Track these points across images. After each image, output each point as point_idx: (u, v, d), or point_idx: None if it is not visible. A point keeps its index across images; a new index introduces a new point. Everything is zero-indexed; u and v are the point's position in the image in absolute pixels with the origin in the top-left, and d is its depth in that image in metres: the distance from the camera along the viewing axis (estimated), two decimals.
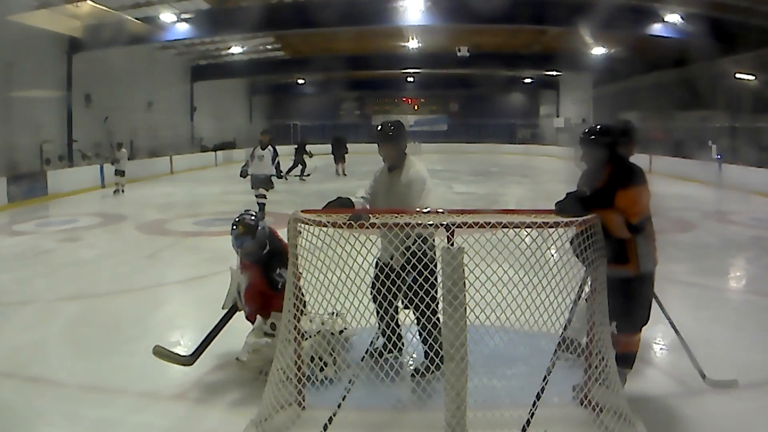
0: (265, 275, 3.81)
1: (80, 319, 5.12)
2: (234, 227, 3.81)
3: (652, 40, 18.07)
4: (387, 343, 3.67)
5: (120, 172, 14.70)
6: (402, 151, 3.68)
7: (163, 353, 3.73)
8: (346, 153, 18.70)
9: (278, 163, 10.03)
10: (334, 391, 3.43)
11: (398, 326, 3.77)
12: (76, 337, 4.67)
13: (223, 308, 4.00)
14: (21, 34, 14.03)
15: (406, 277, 3.11)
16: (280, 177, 10.07)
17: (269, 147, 9.70)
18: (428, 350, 3.38)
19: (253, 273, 3.85)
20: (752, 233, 8.83)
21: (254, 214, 3.97)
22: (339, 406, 2.98)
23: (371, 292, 3.52)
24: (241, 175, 9.73)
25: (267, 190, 9.78)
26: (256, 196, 9.80)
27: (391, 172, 3.69)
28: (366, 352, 3.45)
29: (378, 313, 3.50)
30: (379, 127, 3.71)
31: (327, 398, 3.31)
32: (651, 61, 21.22)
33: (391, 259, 3.29)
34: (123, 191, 14.77)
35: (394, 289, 3.21)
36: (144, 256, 7.61)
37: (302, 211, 3.11)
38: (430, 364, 3.48)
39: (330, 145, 19.23)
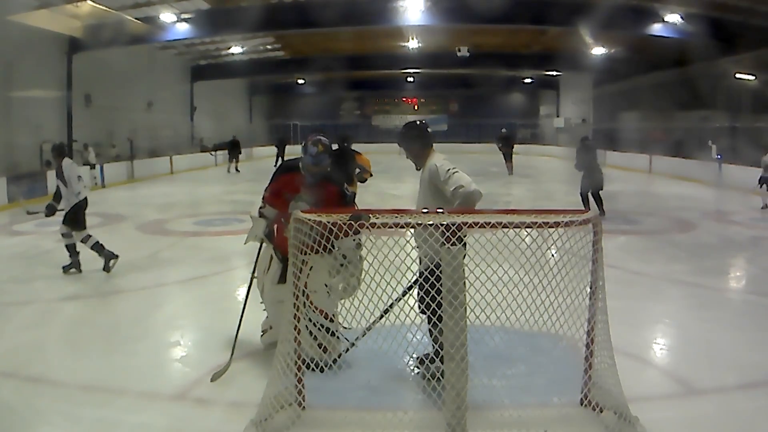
0: (338, 188, 3.99)
1: (80, 319, 5.12)
2: (313, 146, 3.80)
3: (652, 40, 18.06)
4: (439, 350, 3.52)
5: (93, 166, 16.47)
6: (418, 151, 3.69)
7: (221, 373, 3.77)
8: (240, 153, 22.26)
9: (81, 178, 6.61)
10: (334, 391, 3.44)
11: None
12: (76, 337, 4.67)
13: (245, 243, 4.20)
14: (21, 34, 14.04)
15: (446, 280, 3.09)
16: (50, 214, 6.67)
17: (66, 163, 6.57)
18: (439, 348, 3.34)
19: (320, 190, 3.88)
20: (752, 233, 8.82)
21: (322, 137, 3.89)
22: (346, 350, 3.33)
23: (424, 301, 3.36)
24: (46, 214, 6.70)
25: (76, 230, 6.62)
26: (63, 234, 6.62)
27: (420, 171, 3.71)
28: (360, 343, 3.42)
29: (432, 320, 3.32)
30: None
31: (327, 398, 3.31)
32: (651, 61, 21.21)
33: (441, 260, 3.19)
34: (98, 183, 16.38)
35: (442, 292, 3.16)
36: (144, 256, 7.60)
37: (302, 211, 3.12)
38: (435, 357, 3.44)
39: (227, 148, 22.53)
